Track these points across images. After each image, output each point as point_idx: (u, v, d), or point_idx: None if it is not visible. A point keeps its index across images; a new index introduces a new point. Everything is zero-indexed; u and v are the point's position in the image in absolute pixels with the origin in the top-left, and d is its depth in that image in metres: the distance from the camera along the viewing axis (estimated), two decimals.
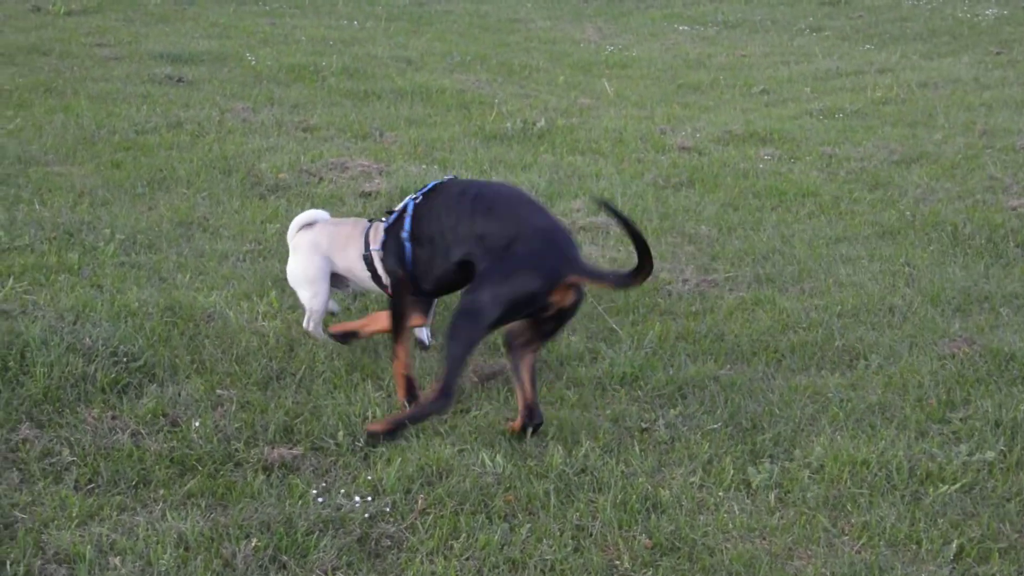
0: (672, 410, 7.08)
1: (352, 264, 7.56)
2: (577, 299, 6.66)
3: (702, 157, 13.44)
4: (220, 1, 25.92)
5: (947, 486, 6.31)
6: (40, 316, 7.78)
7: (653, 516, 5.97)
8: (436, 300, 7.55)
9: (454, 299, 7.47)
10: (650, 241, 9.78)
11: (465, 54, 20.42)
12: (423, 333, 7.90)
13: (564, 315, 6.70)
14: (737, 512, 6.06)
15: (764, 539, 5.86)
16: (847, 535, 5.94)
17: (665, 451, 6.64)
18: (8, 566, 5.34)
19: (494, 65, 19.72)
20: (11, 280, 8.40)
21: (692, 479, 6.32)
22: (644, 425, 6.91)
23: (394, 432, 6.62)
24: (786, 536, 5.88)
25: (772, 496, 6.20)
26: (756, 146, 14.06)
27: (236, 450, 6.43)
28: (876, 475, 6.41)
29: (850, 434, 6.85)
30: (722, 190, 12.06)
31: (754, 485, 6.30)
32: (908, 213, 11.26)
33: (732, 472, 6.39)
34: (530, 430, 6.73)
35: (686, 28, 25.06)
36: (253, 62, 18.39)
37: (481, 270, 6.66)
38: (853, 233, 10.70)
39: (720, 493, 6.23)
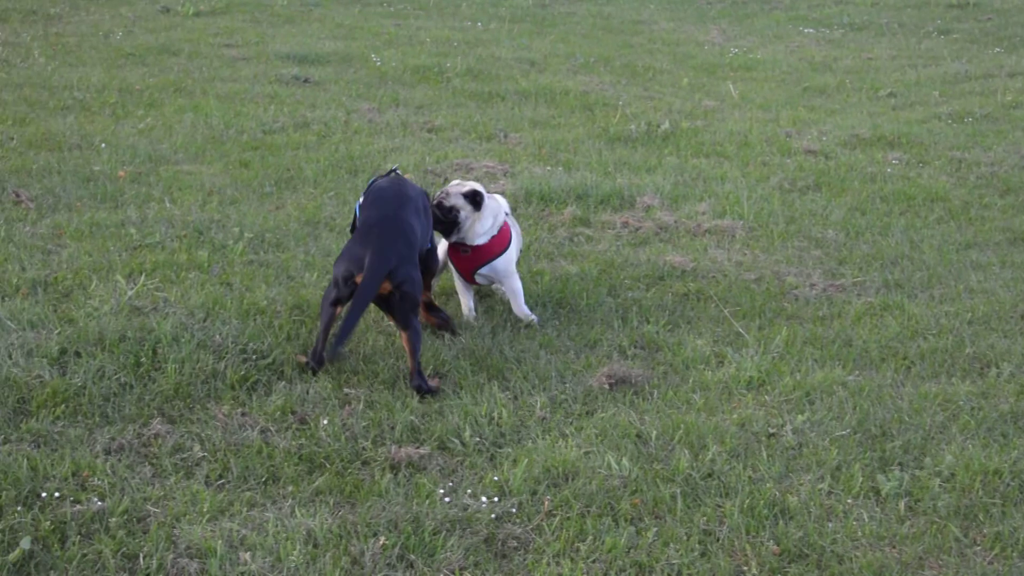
0: (799, 415, 7.00)
1: None
2: (396, 289, 7.24)
3: (828, 161, 13.31)
4: (345, 3, 26.13)
5: None
6: (171, 313, 7.89)
7: (781, 522, 5.92)
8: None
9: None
10: (775, 244, 9.76)
11: (588, 56, 20.40)
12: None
13: (394, 299, 7.29)
14: (866, 520, 5.99)
15: (894, 548, 5.79)
16: (979, 545, 5.85)
17: (793, 457, 6.58)
18: (142, 559, 5.42)
19: (618, 67, 19.68)
20: (143, 277, 8.52)
21: (820, 486, 6.25)
22: (771, 430, 6.85)
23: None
24: (916, 545, 5.80)
25: (902, 504, 6.12)
26: (884, 150, 13.90)
27: (363, 448, 6.47)
28: (1009, 485, 6.31)
29: (981, 443, 6.75)
30: (849, 194, 11.94)
31: (883, 493, 6.22)
32: None
33: (861, 479, 6.32)
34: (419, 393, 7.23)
35: (811, 30, 24.84)
36: (378, 63, 18.51)
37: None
38: (984, 239, 10.54)
39: (849, 500, 6.16)
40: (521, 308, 8.38)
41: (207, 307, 8.07)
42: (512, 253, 8.38)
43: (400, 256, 7.27)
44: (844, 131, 14.80)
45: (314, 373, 7.32)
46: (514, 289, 8.39)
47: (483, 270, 8.30)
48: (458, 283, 8.49)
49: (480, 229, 8.27)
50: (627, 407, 7.08)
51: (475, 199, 8.24)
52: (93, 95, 15.10)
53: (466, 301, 8.46)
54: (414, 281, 7.34)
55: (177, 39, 19.91)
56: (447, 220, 8.27)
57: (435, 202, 8.29)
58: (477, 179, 11.85)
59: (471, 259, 8.28)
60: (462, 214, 8.24)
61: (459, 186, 8.37)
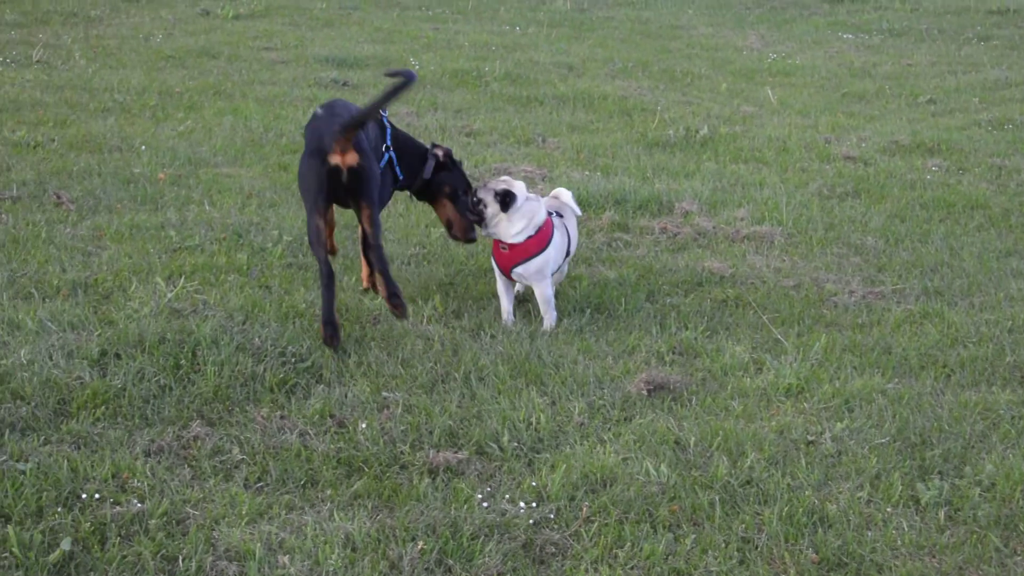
0: (839, 423, 6.97)
1: None
2: (356, 158, 7.75)
3: (868, 167, 13.26)
4: (384, 6, 26.19)
5: None
6: (211, 315, 7.92)
7: (820, 530, 5.90)
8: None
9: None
10: (814, 251, 9.72)
11: (627, 60, 20.39)
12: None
13: (355, 177, 7.77)
14: (906, 529, 5.95)
15: (933, 557, 5.76)
16: (1019, 555, 5.81)
17: (832, 465, 6.55)
18: (181, 561, 5.43)
19: (656, 72, 19.67)
20: (183, 279, 8.55)
21: (859, 494, 6.22)
22: (810, 438, 6.82)
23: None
24: (956, 555, 5.77)
25: (942, 513, 6.09)
26: (923, 157, 13.84)
27: (402, 452, 6.47)
28: None
29: (1022, 452, 6.70)
30: (889, 201, 11.89)
31: (923, 502, 6.19)
32: None
33: (900, 488, 6.28)
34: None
35: (850, 36, 24.77)
36: (417, 67, 18.53)
37: None
38: None
39: (888, 509, 6.12)
40: (549, 317, 8.37)
41: (246, 310, 8.10)
42: (547, 256, 8.31)
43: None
44: (883, 137, 14.75)
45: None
46: (543, 296, 8.35)
47: (518, 269, 8.30)
48: (499, 284, 8.48)
49: (511, 229, 8.25)
50: (665, 413, 7.06)
51: (504, 199, 8.21)
52: (133, 97, 15.18)
53: (506, 305, 8.45)
54: (370, 153, 7.96)
55: (217, 42, 20.00)
56: (475, 211, 8.34)
57: (470, 194, 8.50)
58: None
59: (508, 257, 8.28)
60: (488, 211, 8.27)
61: (498, 183, 8.37)
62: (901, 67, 21.03)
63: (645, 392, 7.29)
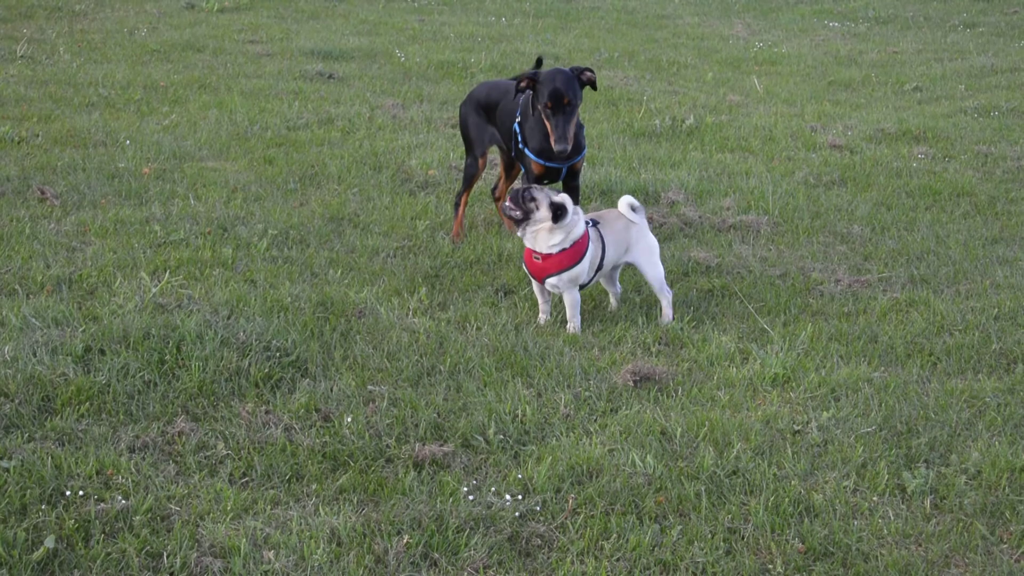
0: (825, 412, 6.96)
1: None
2: None
3: (854, 155, 13.26)
4: None
5: None
6: (195, 310, 7.90)
7: (806, 520, 5.89)
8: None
9: None
10: (801, 240, 9.71)
11: (613, 50, 20.37)
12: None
13: None
14: (892, 518, 5.95)
15: (920, 546, 5.75)
16: (1006, 543, 5.80)
17: (818, 454, 6.54)
18: (165, 558, 5.42)
19: (642, 61, 19.66)
20: (167, 274, 8.53)
21: (845, 483, 6.21)
22: (796, 427, 6.81)
23: None
24: (942, 543, 5.76)
25: (928, 502, 6.08)
26: (909, 144, 13.84)
27: (387, 446, 6.46)
28: None
29: (1008, 440, 6.70)
30: (875, 189, 11.89)
31: (909, 490, 6.18)
32: None
33: (886, 477, 6.27)
34: None
35: (836, 24, 24.77)
36: (402, 59, 18.51)
37: None
38: (1010, 234, 10.47)
39: (874, 498, 6.12)
40: (574, 321, 8.28)
41: (231, 304, 8.08)
42: (581, 268, 8.14)
43: None
44: (869, 125, 14.74)
45: None
46: (571, 301, 8.22)
47: (551, 279, 8.19)
48: (535, 288, 8.37)
49: (550, 240, 8.08)
50: (652, 404, 7.05)
51: (557, 212, 8.02)
52: (118, 92, 15.15)
53: (543, 306, 8.32)
54: None
55: (202, 35, 19.97)
56: (523, 208, 8.03)
57: (521, 187, 8.16)
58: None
59: (541, 267, 8.15)
60: (536, 215, 8.03)
61: (552, 193, 8.11)
62: (887, 55, 21.03)
63: (631, 383, 7.28)
